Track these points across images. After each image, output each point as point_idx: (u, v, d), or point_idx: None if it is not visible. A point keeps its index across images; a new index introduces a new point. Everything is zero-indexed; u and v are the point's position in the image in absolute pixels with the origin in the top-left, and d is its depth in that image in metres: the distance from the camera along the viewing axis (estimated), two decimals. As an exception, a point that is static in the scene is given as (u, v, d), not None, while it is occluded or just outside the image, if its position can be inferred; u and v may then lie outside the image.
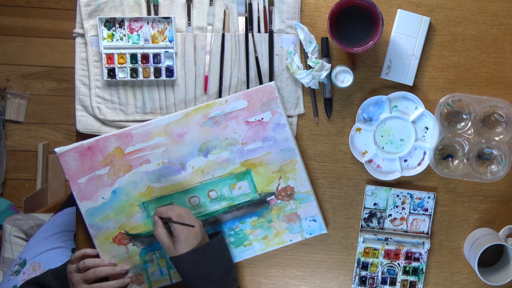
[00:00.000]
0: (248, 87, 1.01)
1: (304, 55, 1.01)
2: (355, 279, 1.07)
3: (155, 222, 0.93)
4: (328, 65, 0.98)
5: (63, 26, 2.00)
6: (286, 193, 1.03)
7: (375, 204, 1.06)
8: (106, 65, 0.99)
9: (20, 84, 1.99)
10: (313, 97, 1.03)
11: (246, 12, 1.00)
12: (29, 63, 2.00)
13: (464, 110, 1.02)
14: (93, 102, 1.01)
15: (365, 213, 1.06)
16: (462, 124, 1.02)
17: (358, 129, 1.02)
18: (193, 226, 0.92)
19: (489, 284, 1.01)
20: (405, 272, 1.07)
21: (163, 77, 1.00)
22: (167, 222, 0.93)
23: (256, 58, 1.01)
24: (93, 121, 1.01)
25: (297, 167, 1.02)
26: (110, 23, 0.99)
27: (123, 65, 1.00)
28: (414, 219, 1.06)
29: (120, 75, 1.00)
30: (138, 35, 1.00)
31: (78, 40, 1.01)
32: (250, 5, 1.00)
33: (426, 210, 1.06)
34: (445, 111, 1.02)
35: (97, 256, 1.01)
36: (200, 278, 0.93)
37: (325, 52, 1.01)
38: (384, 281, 1.07)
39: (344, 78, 0.99)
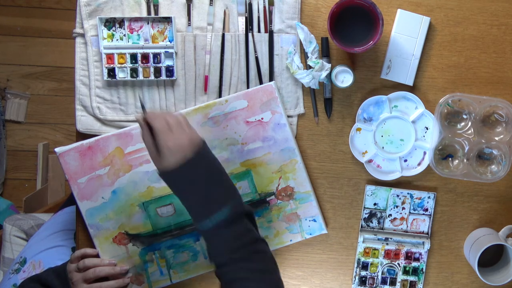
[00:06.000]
0: (248, 87, 1.01)
1: (304, 55, 1.01)
2: (355, 279, 1.07)
3: (140, 125, 0.83)
4: (328, 65, 0.98)
5: (63, 26, 1.99)
6: (286, 193, 1.03)
7: (375, 204, 1.06)
8: (106, 65, 0.99)
9: (20, 84, 1.99)
10: (313, 97, 1.03)
11: (246, 12, 1.00)
12: (29, 63, 1.99)
13: (464, 110, 1.02)
14: (93, 102, 1.01)
15: (365, 213, 1.06)
16: (462, 124, 1.02)
17: (358, 129, 1.02)
18: (144, 110, 0.81)
19: (489, 284, 1.01)
20: (405, 272, 1.07)
21: (163, 77, 1.00)
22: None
23: (256, 58, 1.01)
24: (93, 121, 1.01)
25: (297, 167, 1.02)
26: (110, 23, 0.99)
27: (123, 65, 1.00)
28: (414, 219, 1.06)
29: (120, 75, 1.00)
30: (138, 35, 1.00)
31: (78, 40, 1.01)
32: (250, 5, 1.00)
33: (426, 210, 1.06)
34: (445, 111, 1.02)
35: (97, 255, 1.01)
36: (193, 196, 0.82)
37: (325, 52, 1.01)
38: (384, 281, 1.07)
39: (344, 78, 0.99)
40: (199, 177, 0.81)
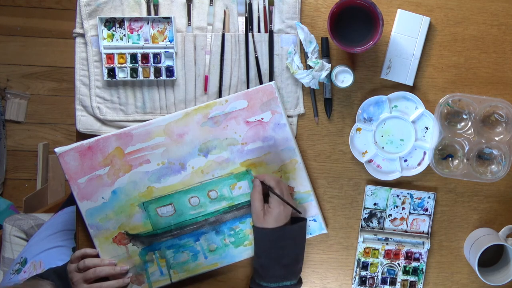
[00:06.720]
0: (248, 87, 1.01)
1: (304, 55, 1.01)
2: (355, 279, 1.07)
3: (255, 185, 0.97)
4: (328, 65, 0.98)
5: (63, 26, 2.00)
6: (286, 193, 1.03)
7: (375, 204, 1.06)
8: (106, 65, 0.99)
9: (20, 84, 1.99)
10: (313, 97, 1.03)
11: (246, 12, 1.00)
12: (29, 63, 2.00)
13: (464, 110, 1.02)
14: (93, 102, 1.01)
15: (365, 213, 1.06)
16: (462, 124, 1.02)
17: (358, 129, 1.02)
18: (300, 213, 0.98)
19: (489, 284, 1.01)
20: (405, 272, 1.07)
21: (163, 77, 1.00)
22: (271, 192, 0.96)
23: (256, 58, 1.01)
24: (93, 121, 1.01)
25: (297, 167, 1.02)
26: (110, 23, 0.99)
27: (123, 65, 1.00)
28: (414, 219, 1.06)
29: (120, 75, 1.00)
30: (138, 35, 1.00)
31: (78, 40, 1.01)
32: (250, 5, 1.00)
33: (426, 210, 1.06)
34: (445, 111, 1.02)
35: (97, 256, 1.01)
36: (271, 258, 0.96)
37: (325, 52, 1.01)
38: (384, 281, 1.07)
39: (344, 78, 0.99)
40: (280, 243, 0.95)
